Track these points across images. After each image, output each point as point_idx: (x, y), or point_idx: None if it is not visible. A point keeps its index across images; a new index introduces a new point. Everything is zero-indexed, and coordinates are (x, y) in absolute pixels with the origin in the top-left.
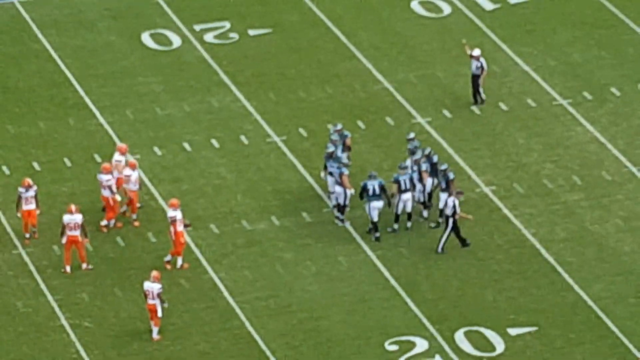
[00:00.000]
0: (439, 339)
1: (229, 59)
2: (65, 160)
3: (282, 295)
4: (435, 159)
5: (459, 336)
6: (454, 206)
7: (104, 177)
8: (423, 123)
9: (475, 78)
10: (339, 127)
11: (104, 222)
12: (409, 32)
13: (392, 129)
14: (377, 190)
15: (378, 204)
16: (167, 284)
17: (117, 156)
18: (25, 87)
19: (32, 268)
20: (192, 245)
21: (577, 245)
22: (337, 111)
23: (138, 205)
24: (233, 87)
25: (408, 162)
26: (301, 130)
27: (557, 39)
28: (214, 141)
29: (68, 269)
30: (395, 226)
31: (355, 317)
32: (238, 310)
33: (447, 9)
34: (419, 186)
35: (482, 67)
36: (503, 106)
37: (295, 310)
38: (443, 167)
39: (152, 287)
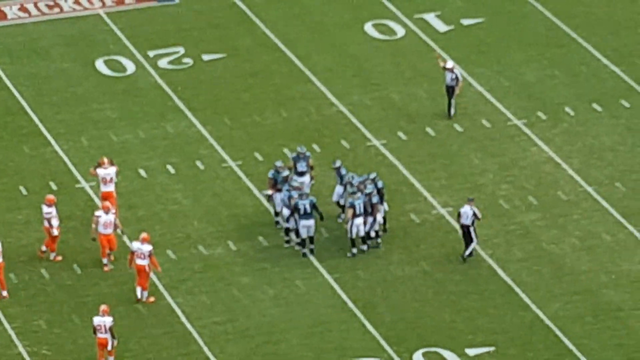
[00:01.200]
0: None
1: (184, 85)
2: (21, 188)
3: (240, 320)
4: (380, 184)
5: (418, 357)
6: (474, 214)
7: (45, 209)
8: (378, 145)
9: (450, 90)
10: (303, 149)
11: (43, 248)
12: (363, 55)
13: (347, 151)
14: (308, 209)
15: (308, 223)
16: (124, 309)
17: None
18: None
19: None
20: (153, 270)
21: (533, 265)
22: (292, 134)
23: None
24: (188, 113)
25: (339, 190)
26: (256, 154)
27: (510, 59)
28: (169, 167)
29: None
30: (354, 250)
31: (314, 340)
32: (196, 335)
33: (400, 31)
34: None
35: (457, 78)
36: (458, 127)
37: (253, 334)
38: (372, 175)
39: (104, 320)
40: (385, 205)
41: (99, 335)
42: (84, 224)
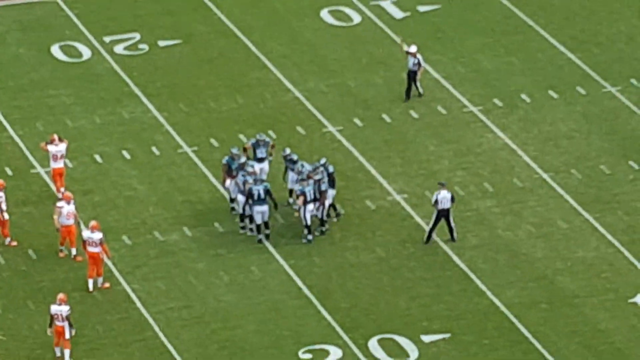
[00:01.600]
0: (353, 347)
1: (140, 70)
2: None
3: (195, 306)
4: (331, 169)
5: (373, 344)
6: (452, 197)
7: None
8: (334, 132)
9: (412, 74)
10: (263, 136)
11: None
12: (319, 41)
13: (303, 138)
14: (262, 195)
15: (262, 208)
16: (79, 295)
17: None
18: None
19: None
20: (105, 257)
21: (489, 251)
22: (248, 121)
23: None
24: (144, 98)
25: (292, 176)
26: (212, 140)
27: (466, 46)
28: (125, 153)
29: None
30: (310, 237)
31: (269, 326)
32: (151, 321)
33: (357, 18)
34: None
35: (419, 63)
36: (414, 114)
37: (208, 320)
38: (322, 161)
39: (61, 309)
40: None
41: (56, 323)
42: (39, 209)
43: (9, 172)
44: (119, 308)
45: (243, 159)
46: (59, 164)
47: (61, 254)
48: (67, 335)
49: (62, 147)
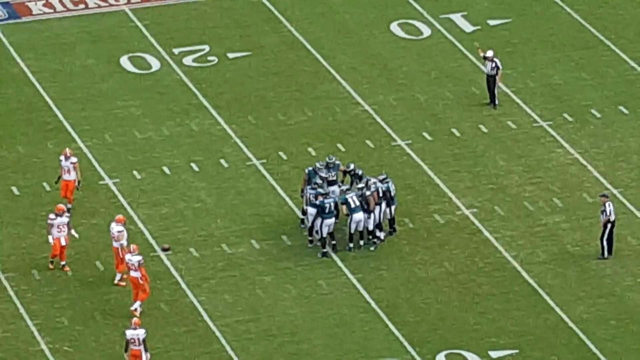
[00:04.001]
0: None
1: (208, 82)
2: (44, 184)
3: (262, 319)
4: (384, 186)
5: (440, 359)
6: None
7: (57, 219)
8: (403, 145)
9: (490, 78)
10: (333, 159)
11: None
12: (388, 54)
13: (372, 151)
14: (332, 208)
15: (330, 221)
16: (147, 307)
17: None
18: (4, 111)
19: (11, 292)
20: (172, 269)
21: (558, 267)
22: (316, 134)
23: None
24: (212, 110)
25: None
26: (281, 153)
27: (537, 60)
28: (193, 164)
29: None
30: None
31: (336, 341)
32: (218, 334)
33: (426, 31)
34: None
35: (497, 67)
36: (483, 128)
37: (275, 333)
38: (381, 177)
39: (137, 333)
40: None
41: (132, 347)
42: (106, 220)
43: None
44: (186, 321)
45: (324, 174)
46: (68, 177)
47: (51, 266)
48: (144, 359)
49: (71, 161)
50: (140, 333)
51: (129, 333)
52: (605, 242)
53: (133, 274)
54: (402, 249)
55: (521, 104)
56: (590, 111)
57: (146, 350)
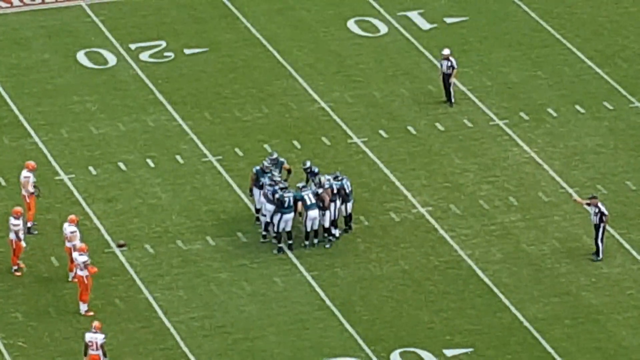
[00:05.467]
0: (375, 359)
1: (165, 78)
2: (0, 179)
3: (217, 316)
4: (337, 184)
5: (395, 357)
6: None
7: (12, 221)
8: (359, 143)
9: (446, 77)
10: (275, 155)
11: (14, 268)
12: (345, 52)
13: (327, 148)
14: (291, 202)
15: (289, 216)
16: (101, 303)
17: (25, 173)
18: None
19: None
20: (127, 265)
21: (513, 266)
22: (272, 131)
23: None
24: (169, 106)
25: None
26: (237, 149)
27: (493, 58)
28: (149, 160)
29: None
30: (306, 242)
31: (291, 338)
32: (173, 331)
33: (383, 29)
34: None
35: (452, 66)
36: (439, 126)
37: (230, 330)
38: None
39: (96, 337)
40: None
41: (90, 352)
42: (62, 216)
43: (32, 178)
44: (141, 317)
45: (276, 174)
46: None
47: (17, 274)
48: None
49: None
50: (99, 337)
51: (88, 336)
52: (600, 243)
53: (79, 272)
54: (357, 246)
55: (477, 102)
56: (547, 110)
57: (105, 356)
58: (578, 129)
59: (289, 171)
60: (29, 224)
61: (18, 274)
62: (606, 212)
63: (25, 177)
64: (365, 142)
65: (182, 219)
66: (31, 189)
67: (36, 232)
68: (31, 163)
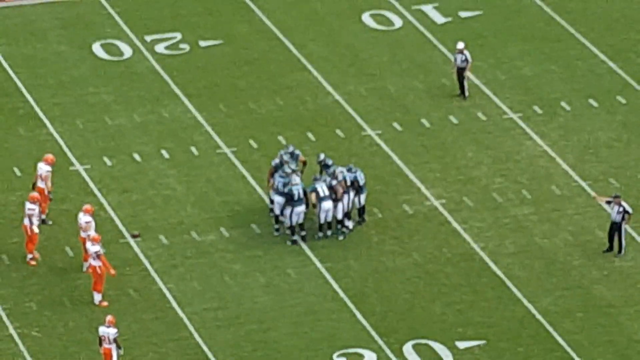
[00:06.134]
0: (387, 351)
1: (180, 70)
2: (15, 169)
3: (230, 307)
4: (350, 176)
5: (407, 349)
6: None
7: (28, 205)
8: (373, 135)
9: (460, 71)
10: (291, 148)
11: (28, 256)
12: (359, 45)
13: (342, 141)
14: (302, 195)
15: (301, 209)
16: (115, 294)
17: (45, 166)
18: None
19: None
20: (141, 256)
21: (525, 259)
22: (287, 123)
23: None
24: (184, 98)
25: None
26: (251, 141)
27: (507, 52)
28: (164, 152)
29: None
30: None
31: (304, 329)
32: (186, 321)
33: (398, 22)
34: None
35: (466, 59)
36: (453, 119)
37: (243, 321)
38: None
39: (108, 332)
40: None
41: (104, 345)
42: (77, 206)
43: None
44: (155, 307)
45: (293, 167)
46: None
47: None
48: (115, 358)
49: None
50: (112, 332)
51: (101, 330)
52: (623, 240)
53: (92, 262)
54: (370, 238)
55: (491, 95)
56: (560, 104)
57: (119, 348)
58: (591, 123)
59: (304, 163)
60: (42, 216)
61: (33, 263)
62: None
63: (47, 171)
64: (379, 135)
65: (196, 210)
66: (50, 185)
67: (50, 222)
68: (50, 156)
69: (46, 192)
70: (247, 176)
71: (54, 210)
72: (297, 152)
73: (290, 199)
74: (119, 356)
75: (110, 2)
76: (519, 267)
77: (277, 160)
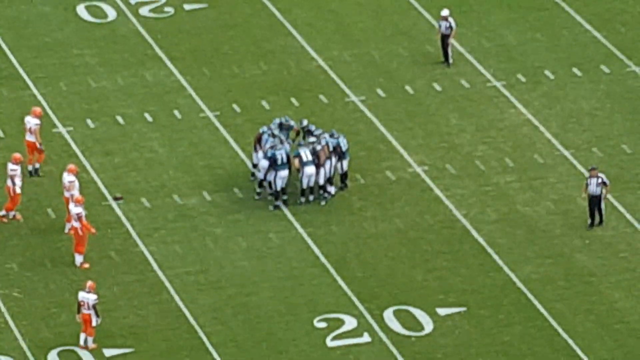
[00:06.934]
0: (368, 317)
1: (164, 33)
2: None
3: (212, 270)
4: (333, 142)
5: (388, 315)
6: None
7: (10, 166)
8: (356, 101)
9: (445, 38)
10: (304, 122)
11: (2, 212)
12: (344, 11)
13: (325, 106)
14: (285, 159)
15: (285, 173)
16: (97, 256)
17: (35, 120)
18: None
19: None
20: (123, 219)
21: (507, 226)
22: (271, 87)
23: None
24: (167, 62)
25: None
26: (235, 106)
27: (491, 20)
28: (147, 115)
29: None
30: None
31: (285, 294)
32: (168, 284)
33: None
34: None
35: (450, 26)
36: (437, 86)
37: (224, 285)
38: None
39: (88, 297)
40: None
41: (83, 311)
42: (59, 168)
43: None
44: (136, 270)
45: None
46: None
47: (5, 220)
48: (93, 323)
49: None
50: (92, 298)
51: (81, 295)
52: (603, 211)
53: (74, 224)
54: (352, 204)
55: (475, 63)
56: (544, 72)
57: (97, 316)
58: (575, 92)
59: (297, 133)
60: (36, 165)
61: (4, 220)
62: (608, 182)
63: (36, 124)
64: (363, 101)
65: (179, 173)
66: (39, 138)
67: (42, 174)
68: (38, 109)
69: (38, 145)
70: (230, 140)
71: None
72: (292, 123)
73: (273, 163)
74: (97, 324)
75: None
76: (500, 234)
77: (265, 128)
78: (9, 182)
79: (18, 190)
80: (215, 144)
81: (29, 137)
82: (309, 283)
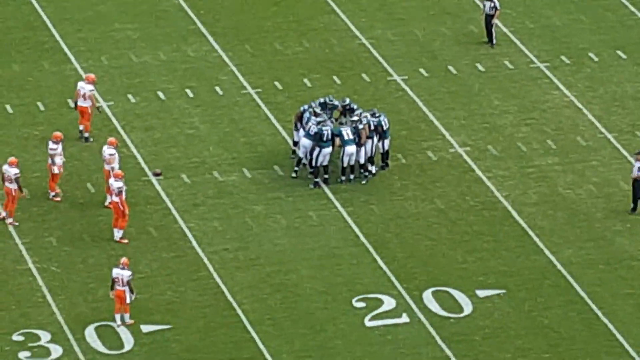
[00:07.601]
0: (407, 297)
1: (207, 9)
2: (39, 104)
3: (251, 248)
4: (375, 121)
5: (427, 296)
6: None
7: (50, 145)
8: (399, 81)
9: (488, 18)
10: (347, 100)
11: (51, 194)
12: None
13: (367, 85)
14: (330, 136)
15: (328, 150)
16: (136, 232)
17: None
18: (0, 29)
19: (0, 210)
20: (163, 194)
21: (549, 209)
22: (313, 65)
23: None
24: (209, 37)
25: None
26: (276, 83)
27: (536, 1)
28: (188, 91)
29: (3, 214)
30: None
31: (324, 273)
32: (206, 261)
33: None
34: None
35: (495, 7)
36: (480, 67)
37: (263, 263)
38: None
39: (122, 273)
40: (385, 144)
41: (117, 287)
42: (99, 142)
43: (71, 104)
44: (175, 246)
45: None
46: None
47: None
48: (128, 300)
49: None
50: (126, 274)
51: (115, 272)
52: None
53: (114, 198)
54: (393, 184)
55: (519, 44)
56: (588, 54)
57: (132, 292)
58: (618, 75)
59: (340, 112)
60: (86, 134)
61: (57, 199)
62: None
63: (91, 90)
64: (405, 80)
65: (219, 150)
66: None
67: (92, 139)
68: (91, 75)
69: (89, 110)
70: (271, 117)
71: (77, 145)
72: (336, 102)
73: (319, 139)
74: (131, 300)
75: None
76: (541, 217)
77: (306, 106)
78: (49, 160)
79: (56, 170)
80: (256, 121)
81: (82, 103)
82: (348, 262)
